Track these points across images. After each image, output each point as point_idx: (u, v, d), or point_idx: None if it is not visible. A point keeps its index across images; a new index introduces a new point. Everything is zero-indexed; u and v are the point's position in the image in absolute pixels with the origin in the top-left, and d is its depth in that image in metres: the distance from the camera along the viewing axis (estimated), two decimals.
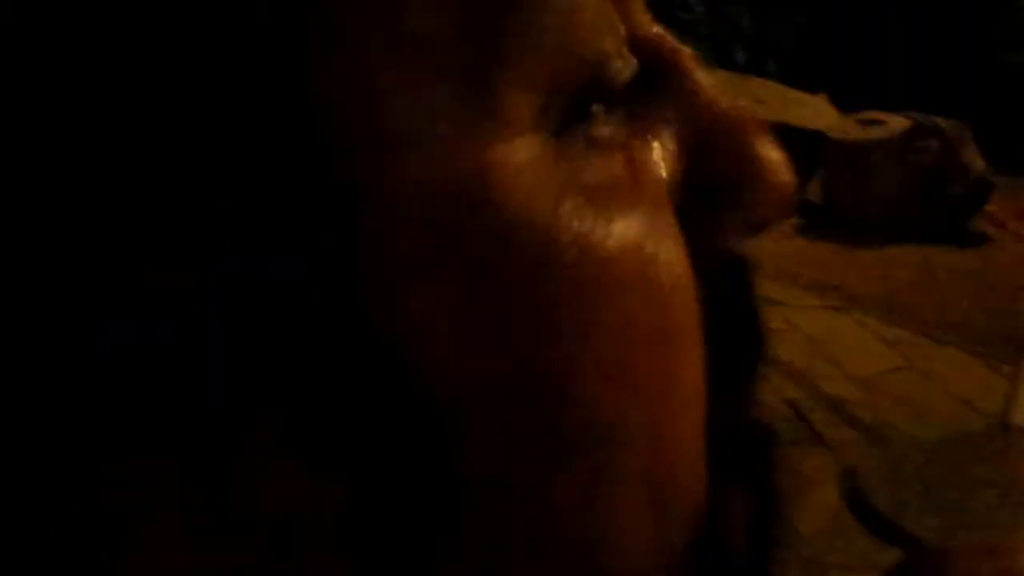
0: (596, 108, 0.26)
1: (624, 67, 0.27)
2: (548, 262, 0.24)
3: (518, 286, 0.24)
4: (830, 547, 2.79)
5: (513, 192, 0.24)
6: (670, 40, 0.30)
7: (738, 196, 0.31)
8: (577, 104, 0.25)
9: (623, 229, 0.26)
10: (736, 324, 0.32)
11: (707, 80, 0.31)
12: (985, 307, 4.51)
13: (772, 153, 0.31)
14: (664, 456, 0.28)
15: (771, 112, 5.21)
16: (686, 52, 0.31)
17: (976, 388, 3.68)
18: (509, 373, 0.24)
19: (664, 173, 0.28)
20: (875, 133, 5.22)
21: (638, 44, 0.28)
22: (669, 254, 0.27)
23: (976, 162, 5.32)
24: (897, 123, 5.24)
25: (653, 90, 0.29)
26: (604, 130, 0.26)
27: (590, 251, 0.25)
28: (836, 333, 4.11)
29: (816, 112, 5.46)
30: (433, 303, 0.23)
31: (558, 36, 0.25)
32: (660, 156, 0.28)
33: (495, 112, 0.24)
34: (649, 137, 0.28)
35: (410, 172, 0.23)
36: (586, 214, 0.25)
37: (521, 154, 0.24)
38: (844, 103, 5.54)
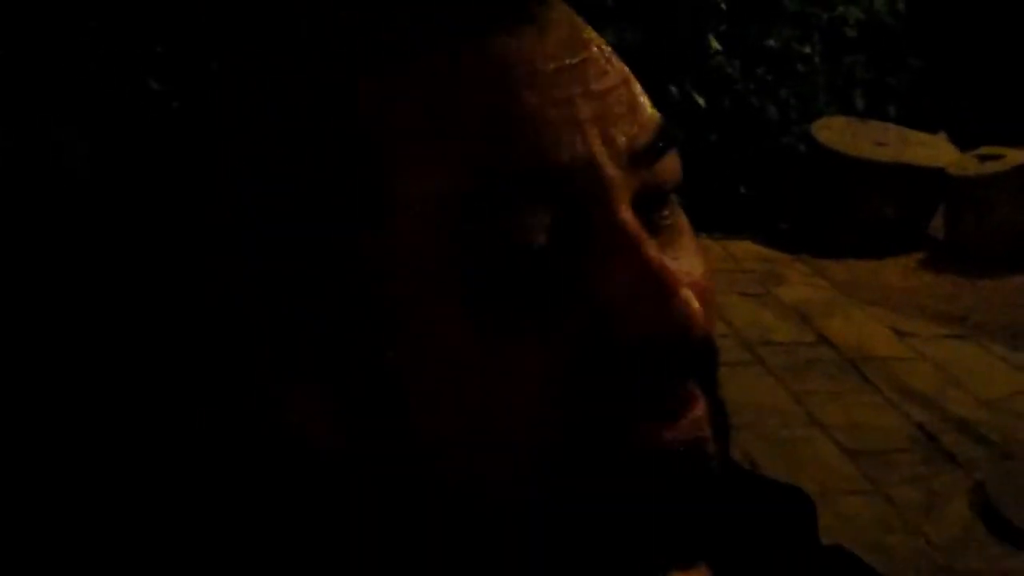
0: None
1: None
2: None
3: None
4: (962, 554, 2.88)
5: None
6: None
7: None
8: None
9: None
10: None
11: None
12: None
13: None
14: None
15: (892, 154, 5.28)
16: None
17: None
18: None
19: None
20: (994, 167, 5.25)
21: None
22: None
23: None
24: (1015, 156, 5.27)
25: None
26: None
27: None
28: (963, 360, 4.17)
29: (936, 151, 5.45)
30: None
31: None
32: None
33: None
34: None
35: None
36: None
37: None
38: (963, 141, 5.53)
